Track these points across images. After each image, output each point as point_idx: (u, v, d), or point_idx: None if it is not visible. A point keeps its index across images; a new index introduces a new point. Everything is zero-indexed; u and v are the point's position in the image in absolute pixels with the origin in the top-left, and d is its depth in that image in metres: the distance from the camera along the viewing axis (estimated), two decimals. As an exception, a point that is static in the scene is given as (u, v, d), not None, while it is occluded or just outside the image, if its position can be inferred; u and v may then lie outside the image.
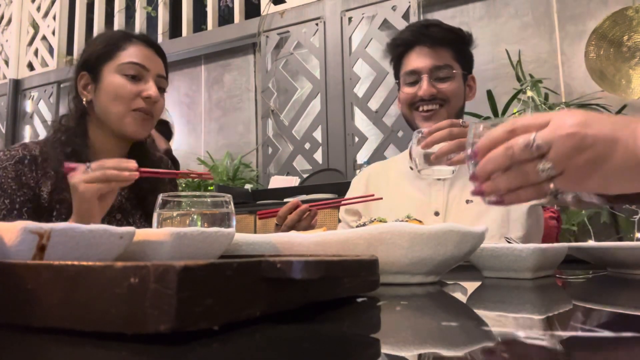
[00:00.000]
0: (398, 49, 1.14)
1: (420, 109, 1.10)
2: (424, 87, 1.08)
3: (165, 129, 3.26)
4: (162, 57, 1.08)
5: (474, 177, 0.49)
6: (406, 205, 1.14)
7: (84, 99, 1.02)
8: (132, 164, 0.84)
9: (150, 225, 0.98)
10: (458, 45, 1.12)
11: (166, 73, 1.10)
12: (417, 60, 1.10)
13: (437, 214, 1.10)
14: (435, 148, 0.80)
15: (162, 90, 1.06)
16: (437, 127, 0.81)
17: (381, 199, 1.01)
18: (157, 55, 1.06)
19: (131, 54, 1.01)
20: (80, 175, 0.82)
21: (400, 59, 1.15)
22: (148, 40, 1.06)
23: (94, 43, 1.05)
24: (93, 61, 1.01)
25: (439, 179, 1.06)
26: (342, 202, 1.16)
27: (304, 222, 1.00)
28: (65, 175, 0.96)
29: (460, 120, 0.83)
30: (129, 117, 0.99)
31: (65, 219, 0.88)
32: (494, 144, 0.48)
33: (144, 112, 1.00)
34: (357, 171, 3.00)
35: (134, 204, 1.05)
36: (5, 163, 0.95)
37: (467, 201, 1.07)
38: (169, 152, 2.88)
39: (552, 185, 0.45)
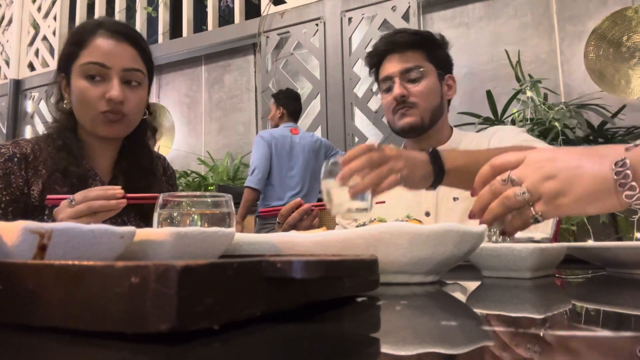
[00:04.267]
0: (373, 60, 1.21)
1: (397, 110, 1.15)
2: (395, 89, 1.13)
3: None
4: (134, 45, 0.96)
5: (473, 215, 0.60)
6: (398, 206, 1.13)
7: (66, 101, 0.98)
8: (118, 190, 0.80)
9: (143, 224, 0.96)
10: (428, 46, 1.16)
11: (146, 61, 1.00)
12: (389, 66, 1.16)
13: (427, 214, 1.12)
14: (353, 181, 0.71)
15: (134, 83, 0.96)
16: (353, 155, 0.74)
17: (383, 202, 1.01)
18: (126, 44, 0.95)
19: (92, 51, 0.93)
20: (65, 211, 0.78)
21: (377, 69, 1.21)
22: (115, 29, 0.95)
23: (65, 42, 0.99)
24: (63, 62, 0.97)
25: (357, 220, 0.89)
26: None
27: (305, 222, 1.00)
28: (56, 171, 0.93)
29: (376, 143, 0.78)
30: (97, 120, 0.95)
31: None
32: (482, 181, 0.61)
33: (111, 113, 0.94)
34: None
35: (128, 204, 1.03)
36: None
37: (454, 198, 1.09)
38: None
39: (532, 210, 0.56)
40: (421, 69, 1.13)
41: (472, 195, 0.64)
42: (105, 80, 0.94)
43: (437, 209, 1.11)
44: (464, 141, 1.19)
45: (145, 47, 1.00)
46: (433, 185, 0.82)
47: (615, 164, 0.51)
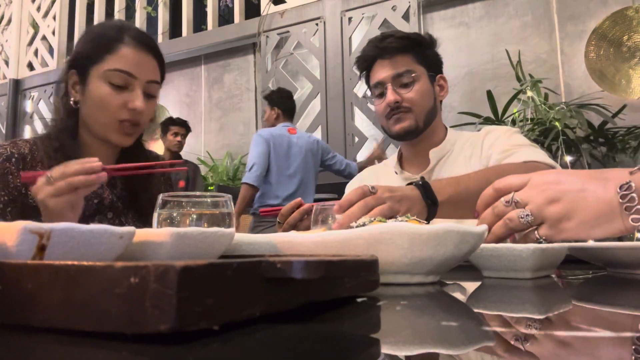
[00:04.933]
0: (362, 64, 1.19)
1: (391, 115, 1.14)
2: (388, 95, 1.12)
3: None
4: (156, 57, 0.99)
5: None
6: None
7: (73, 98, 0.98)
8: (96, 163, 0.77)
9: (142, 224, 0.95)
10: (417, 49, 1.15)
11: (162, 73, 1.02)
12: (380, 72, 1.15)
13: None
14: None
15: (152, 96, 0.99)
16: (349, 201, 0.74)
17: None
18: (150, 56, 0.97)
19: (120, 58, 0.94)
20: (44, 189, 0.76)
21: (368, 73, 1.19)
22: (142, 40, 0.97)
23: (84, 40, 0.98)
24: (81, 61, 0.96)
25: None
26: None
27: (305, 222, 0.99)
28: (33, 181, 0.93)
29: (369, 186, 0.77)
30: (113, 128, 0.95)
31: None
32: (484, 203, 0.61)
33: (129, 122, 0.95)
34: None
35: (126, 203, 1.03)
36: None
37: None
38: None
39: (537, 233, 0.56)
40: (413, 74, 1.13)
41: (475, 217, 0.63)
42: (127, 89, 0.94)
43: None
44: (459, 141, 1.18)
45: (163, 60, 1.02)
46: (427, 220, 0.81)
47: (620, 187, 0.50)
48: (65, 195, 0.76)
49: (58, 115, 1.01)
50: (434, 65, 1.18)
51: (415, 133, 1.15)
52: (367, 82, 1.22)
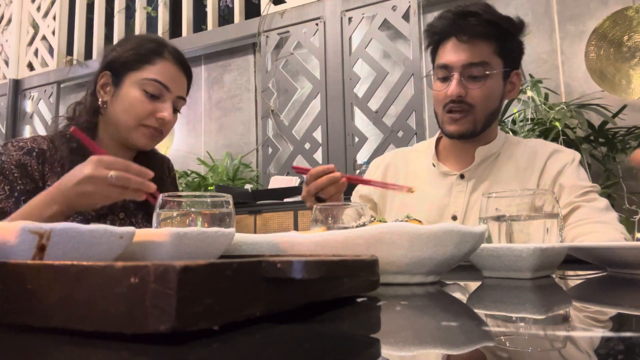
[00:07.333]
0: (434, 37, 1.05)
1: (449, 110, 1.02)
2: (452, 86, 0.99)
3: None
4: (187, 76, 1.06)
5: None
6: (423, 204, 1.07)
7: (100, 98, 1.00)
8: (150, 174, 0.79)
9: (151, 224, 0.97)
10: (502, 37, 1.00)
11: (188, 91, 1.08)
12: (451, 54, 1.00)
13: (454, 218, 1.04)
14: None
15: (176, 110, 1.04)
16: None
17: (413, 191, 0.92)
18: (183, 73, 1.04)
19: (157, 71, 0.99)
20: (98, 169, 0.75)
21: (436, 47, 1.05)
22: (179, 58, 1.04)
23: (124, 45, 1.03)
24: (118, 65, 1.00)
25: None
26: (373, 182, 1.05)
27: (331, 189, 0.94)
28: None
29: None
30: (138, 131, 0.99)
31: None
32: None
33: (153, 129, 0.99)
34: (357, 171, 3.00)
35: (137, 204, 1.05)
36: (12, 152, 0.94)
37: None
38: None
39: None
40: (487, 68, 0.99)
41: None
42: (159, 100, 0.99)
43: (466, 214, 1.03)
44: (507, 144, 1.09)
45: (191, 79, 1.09)
46: None
47: None
48: (111, 188, 0.76)
49: (74, 114, 1.02)
50: (513, 58, 1.05)
51: (470, 136, 1.04)
52: (433, 57, 1.07)
